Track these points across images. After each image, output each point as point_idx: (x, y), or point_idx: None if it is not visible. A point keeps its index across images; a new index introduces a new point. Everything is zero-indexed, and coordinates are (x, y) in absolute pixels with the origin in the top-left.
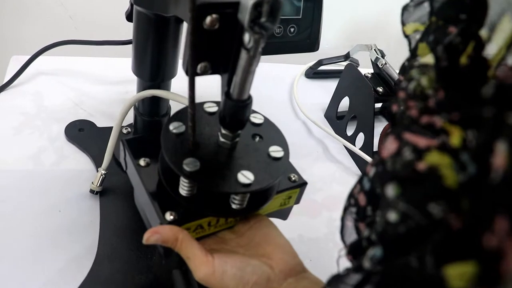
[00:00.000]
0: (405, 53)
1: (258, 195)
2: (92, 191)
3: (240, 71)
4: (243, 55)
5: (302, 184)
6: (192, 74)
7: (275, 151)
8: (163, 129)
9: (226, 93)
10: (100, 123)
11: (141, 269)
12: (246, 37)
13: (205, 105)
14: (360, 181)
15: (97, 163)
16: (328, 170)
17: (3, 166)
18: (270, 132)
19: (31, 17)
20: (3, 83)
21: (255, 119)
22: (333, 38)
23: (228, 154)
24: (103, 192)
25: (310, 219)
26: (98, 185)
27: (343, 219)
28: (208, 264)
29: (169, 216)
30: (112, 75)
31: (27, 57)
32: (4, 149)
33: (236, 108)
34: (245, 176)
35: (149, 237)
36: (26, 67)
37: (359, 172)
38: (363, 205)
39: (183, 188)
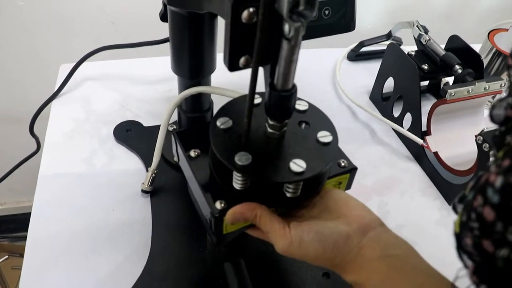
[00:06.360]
0: (450, 28)
1: (310, 182)
2: (143, 191)
3: (282, 61)
4: (285, 45)
5: (352, 170)
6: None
7: (324, 136)
8: (210, 126)
9: (270, 84)
10: (146, 123)
11: (193, 263)
12: (286, 27)
13: None
14: (481, 192)
15: (146, 162)
16: (376, 154)
17: (58, 170)
18: (316, 118)
19: (76, 27)
20: (53, 92)
21: (300, 106)
22: (374, 17)
23: (277, 144)
24: (153, 190)
25: None
26: (148, 185)
27: (460, 235)
28: (285, 236)
29: (219, 205)
30: (154, 74)
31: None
32: (58, 154)
33: (281, 98)
34: (297, 164)
35: (231, 217)
36: (71, 74)
37: (408, 154)
38: (490, 220)
39: (237, 182)
